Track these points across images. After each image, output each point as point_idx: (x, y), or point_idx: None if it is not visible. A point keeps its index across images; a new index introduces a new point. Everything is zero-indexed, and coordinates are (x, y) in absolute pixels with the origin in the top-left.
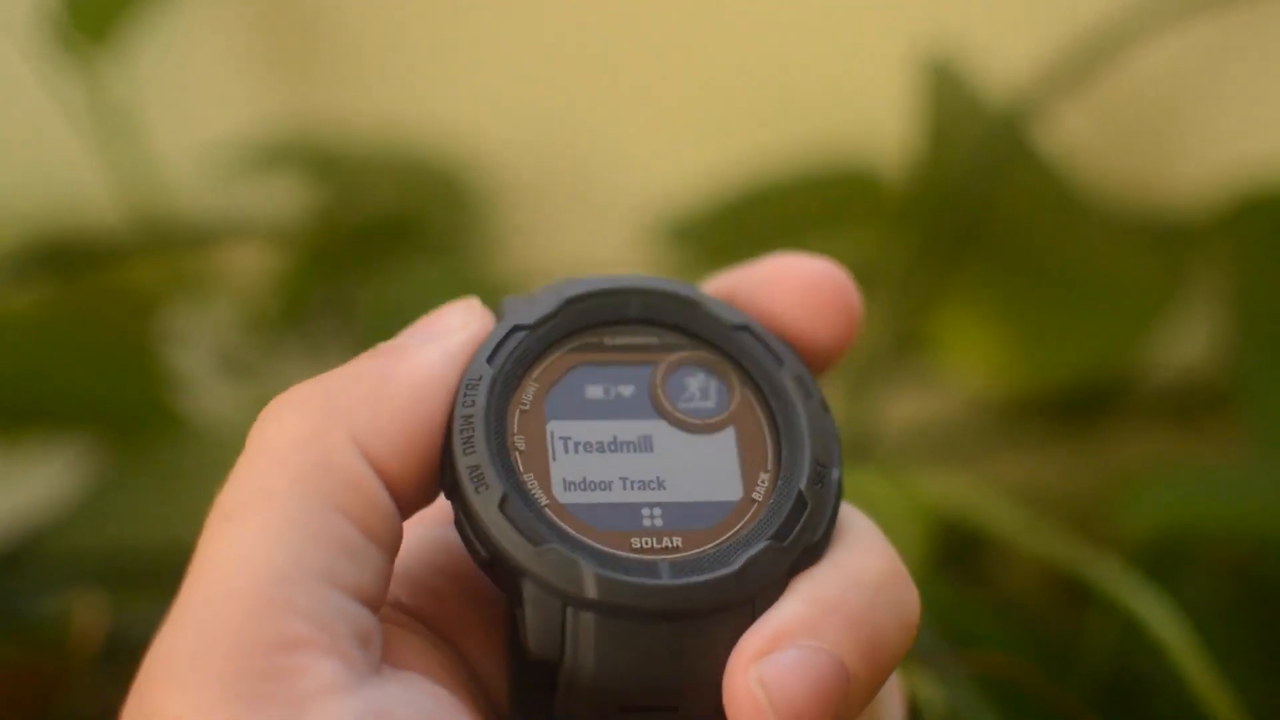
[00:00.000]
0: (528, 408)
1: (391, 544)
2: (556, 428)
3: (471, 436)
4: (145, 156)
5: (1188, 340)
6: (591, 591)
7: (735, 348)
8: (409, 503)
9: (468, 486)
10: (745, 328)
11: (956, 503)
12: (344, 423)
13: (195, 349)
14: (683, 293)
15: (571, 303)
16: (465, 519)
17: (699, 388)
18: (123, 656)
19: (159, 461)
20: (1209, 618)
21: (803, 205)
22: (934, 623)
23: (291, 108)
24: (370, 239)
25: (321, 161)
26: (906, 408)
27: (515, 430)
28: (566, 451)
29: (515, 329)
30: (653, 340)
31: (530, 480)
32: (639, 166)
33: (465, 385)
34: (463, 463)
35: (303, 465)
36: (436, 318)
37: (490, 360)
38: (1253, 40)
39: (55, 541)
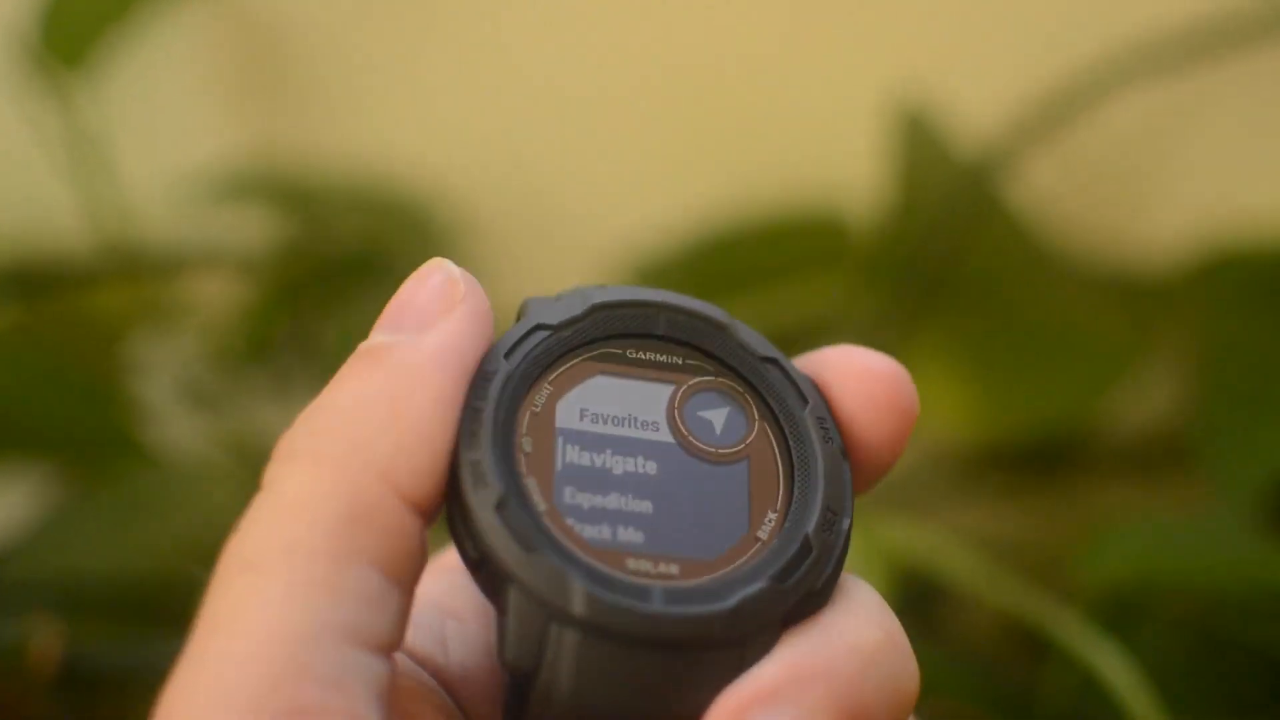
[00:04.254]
0: (539, 410)
1: (415, 579)
2: (566, 434)
3: (477, 431)
4: (114, 184)
5: (1151, 395)
6: (579, 608)
7: (760, 379)
8: (435, 512)
9: (466, 481)
10: (774, 360)
11: (917, 551)
12: (368, 460)
13: (160, 379)
14: (714, 316)
15: (599, 309)
16: (459, 515)
17: (717, 415)
18: (78, 683)
19: (120, 490)
20: (1166, 671)
21: (770, 251)
22: None
23: (261, 139)
24: (337, 273)
25: (289, 194)
26: None
27: (524, 431)
28: (573, 461)
29: (538, 328)
30: (677, 360)
31: (532, 484)
32: (607, 206)
33: (478, 377)
34: (465, 457)
35: (332, 518)
36: (415, 293)
37: (508, 356)
38: (1220, 99)
39: (14, 567)
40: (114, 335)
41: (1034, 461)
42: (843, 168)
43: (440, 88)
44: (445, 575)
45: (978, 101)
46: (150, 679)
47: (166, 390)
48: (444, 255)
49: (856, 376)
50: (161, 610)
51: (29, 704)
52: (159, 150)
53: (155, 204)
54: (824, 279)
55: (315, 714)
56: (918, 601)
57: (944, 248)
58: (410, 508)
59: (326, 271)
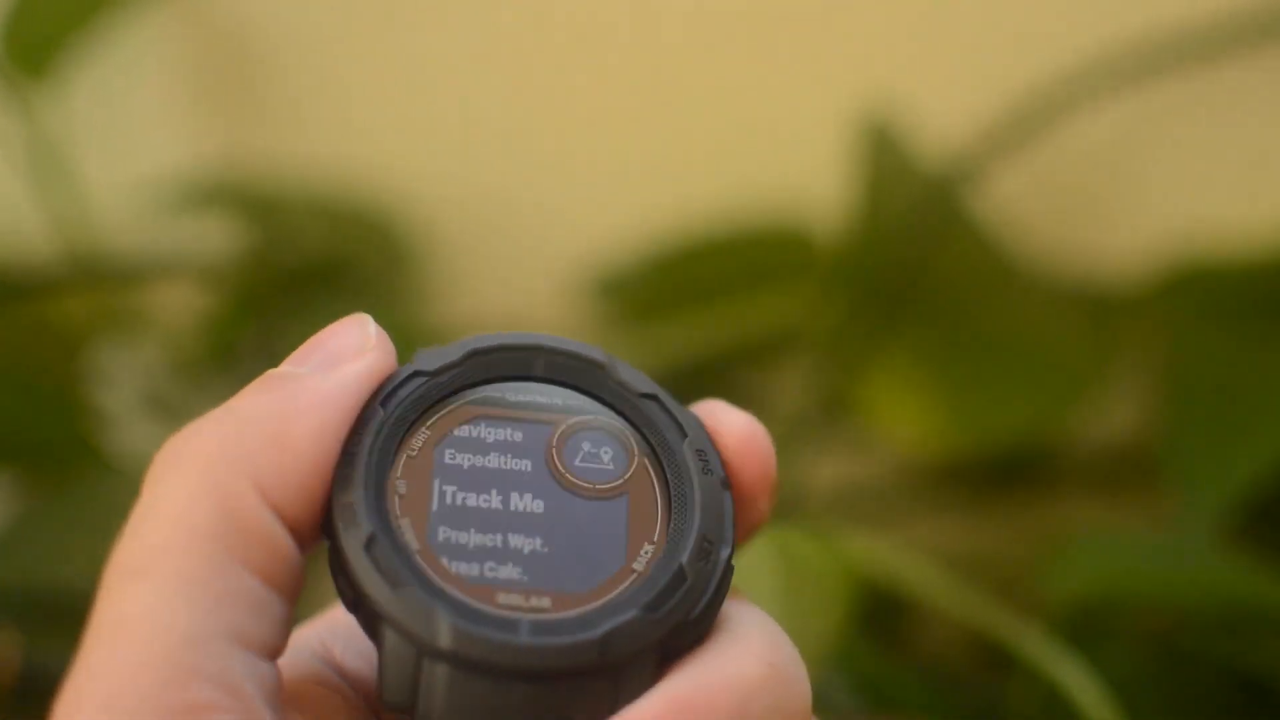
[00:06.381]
0: (416, 454)
1: (294, 591)
2: (442, 477)
3: (351, 475)
4: (77, 192)
5: (1117, 409)
6: (445, 641)
7: (639, 415)
8: (311, 543)
9: (338, 523)
10: (653, 396)
11: (881, 565)
12: (246, 471)
13: (121, 387)
14: (591, 355)
15: (476, 354)
16: (335, 558)
17: (596, 453)
18: (38, 694)
19: (81, 499)
20: (1132, 685)
21: (734, 262)
22: (856, 686)
23: (225, 148)
24: (300, 282)
25: (253, 203)
26: (834, 469)
27: (399, 474)
28: (449, 502)
29: (415, 374)
30: (555, 400)
31: (405, 525)
32: (572, 216)
33: (356, 423)
34: (337, 499)
35: (205, 520)
36: (328, 338)
37: (384, 403)
38: (1186, 112)
39: None
40: (76, 343)
41: (999, 475)
42: (808, 179)
43: (404, 96)
44: None
45: (944, 114)
46: None
47: (129, 399)
48: (408, 264)
49: (720, 433)
50: None
51: None
52: (122, 158)
53: (118, 212)
54: (789, 291)
55: (206, 711)
56: (882, 616)
57: (909, 260)
58: (284, 524)
59: (290, 280)
